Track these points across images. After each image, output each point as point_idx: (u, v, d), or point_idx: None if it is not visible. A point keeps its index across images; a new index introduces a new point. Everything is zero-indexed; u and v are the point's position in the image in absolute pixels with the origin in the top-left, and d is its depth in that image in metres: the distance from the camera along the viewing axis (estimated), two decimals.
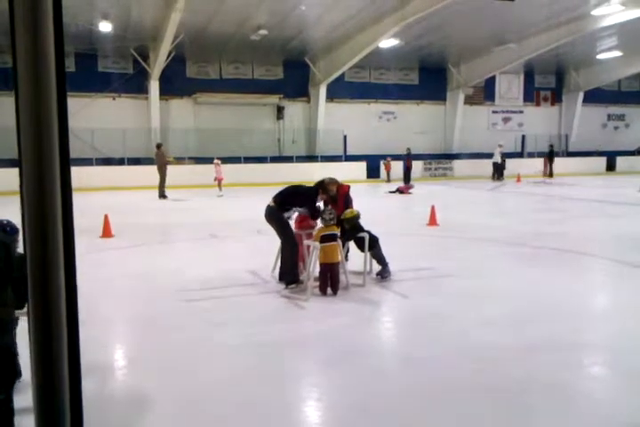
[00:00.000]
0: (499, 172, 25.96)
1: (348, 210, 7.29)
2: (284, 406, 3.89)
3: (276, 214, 6.95)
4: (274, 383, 4.22)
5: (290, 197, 7.11)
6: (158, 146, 19.59)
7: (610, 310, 6.42)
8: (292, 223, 7.31)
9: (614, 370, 4.57)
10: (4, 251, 3.26)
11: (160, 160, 19.15)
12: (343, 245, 7.19)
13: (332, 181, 7.88)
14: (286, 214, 7.01)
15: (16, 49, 0.86)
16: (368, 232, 7.23)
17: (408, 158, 25.25)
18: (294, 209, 7.08)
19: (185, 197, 18.84)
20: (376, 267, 7.42)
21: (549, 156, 28.66)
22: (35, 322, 0.91)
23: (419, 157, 27.83)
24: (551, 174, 27.94)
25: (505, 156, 26.63)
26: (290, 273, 6.88)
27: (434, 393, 4.05)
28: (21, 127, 0.88)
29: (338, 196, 7.87)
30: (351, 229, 7.14)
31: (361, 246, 7.23)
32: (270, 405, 3.87)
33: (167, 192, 18.87)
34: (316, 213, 7.07)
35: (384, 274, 7.28)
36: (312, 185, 7.35)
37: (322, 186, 7.21)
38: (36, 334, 0.91)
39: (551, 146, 28.83)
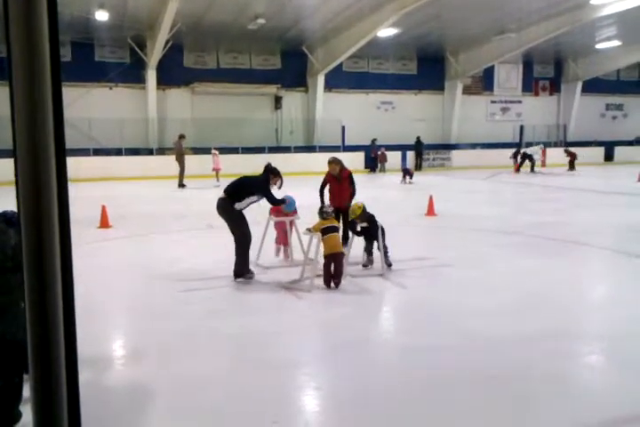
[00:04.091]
0: (532, 164, 25.24)
1: (352, 207, 7.28)
2: (282, 395, 3.90)
3: (227, 206, 6.76)
4: (272, 373, 4.23)
5: (241, 187, 6.93)
6: (179, 136, 19.48)
7: (608, 299, 6.45)
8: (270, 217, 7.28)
9: (612, 360, 4.60)
10: (7, 240, 3.27)
11: (177, 150, 19.28)
12: (373, 241, 7.17)
13: (335, 161, 8.01)
14: (238, 205, 6.77)
15: (10, 38, 0.86)
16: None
17: (373, 149, 25.62)
18: (247, 199, 6.83)
19: (177, 188, 18.86)
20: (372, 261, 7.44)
21: (416, 149, 27.28)
22: (31, 313, 0.91)
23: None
24: (416, 169, 25.55)
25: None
26: (239, 266, 6.77)
27: (432, 383, 4.07)
28: (16, 117, 0.87)
29: (341, 177, 7.99)
30: (370, 222, 7.13)
31: (374, 236, 7.19)
32: (269, 394, 3.89)
33: (173, 181, 19.13)
34: (275, 199, 6.96)
35: (389, 262, 7.33)
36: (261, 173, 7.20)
37: (271, 171, 7.12)
38: (33, 325, 0.91)
39: (418, 138, 27.31)
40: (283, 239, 7.84)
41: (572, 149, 26.64)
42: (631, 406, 3.71)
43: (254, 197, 6.90)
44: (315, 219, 6.87)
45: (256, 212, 7.34)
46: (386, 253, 7.27)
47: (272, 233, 7.84)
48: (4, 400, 3.29)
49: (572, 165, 25.85)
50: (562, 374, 4.20)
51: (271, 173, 7.10)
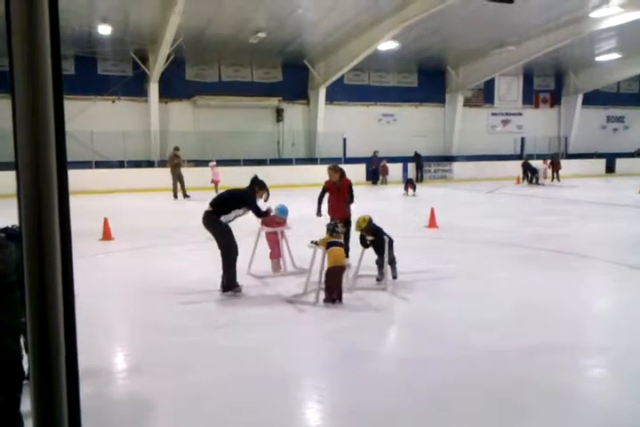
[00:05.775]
0: (536, 176, 25.26)
1: (357, 221, 7.25)
2: (284, 409, 3.87)
3: (212, 220, 6.75)
4: (274, 386, 4.20)
5: (226, 200, 6.94)
6: (174, 148, 19.74)
7: (611, 312, 6.41)
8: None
9: (614, 373, 4.57)
10: (5, 254, 3.26)
11: (170, 162, 19.49)
12: (382, 254, 7.14)
13: (335, 168, 8.06)
14: (225, 218, 6.77)
15: (12, 51, 0.86)
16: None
17: (374, 161, 25.77)
18: (233, 212, 6.84)
19: (183, 199, 18.93)
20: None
21: (415, 160, 27.27)
22: (32, 326, 0.91)
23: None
24: (417, 181, 24.15)
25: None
26: (227, 280, 6.76)
27: (433, 395, 4.04)
28: (18, 130, 0.87)
29: (341, 184, 7.98)
30: (375, 234, 7.10)
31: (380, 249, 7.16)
32: (271, 407, 3.86)
33: (167, 193, 19.25)
34: (259, 211, 6.92)
35: (396, 274, 7.32)
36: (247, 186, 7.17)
37: (257, 183, 7.10)
38: (34, 339, 0.91)
39: (415, 152, 27.34)
40: (277, 253, 7.83)
41: (562, 161, 26.84)
42: (634, 420, 3.68)
43: (240, 211, 6.93)
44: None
45: (250, 223, 7.34)
46: (394, 264, 7.24)
47: (262, 243, 7.84)
48: (6, 416, 3.27)
49: (553, 176, 26.12)
50: (564, 387, 4.16)
51: (257, 186, 7.09)
